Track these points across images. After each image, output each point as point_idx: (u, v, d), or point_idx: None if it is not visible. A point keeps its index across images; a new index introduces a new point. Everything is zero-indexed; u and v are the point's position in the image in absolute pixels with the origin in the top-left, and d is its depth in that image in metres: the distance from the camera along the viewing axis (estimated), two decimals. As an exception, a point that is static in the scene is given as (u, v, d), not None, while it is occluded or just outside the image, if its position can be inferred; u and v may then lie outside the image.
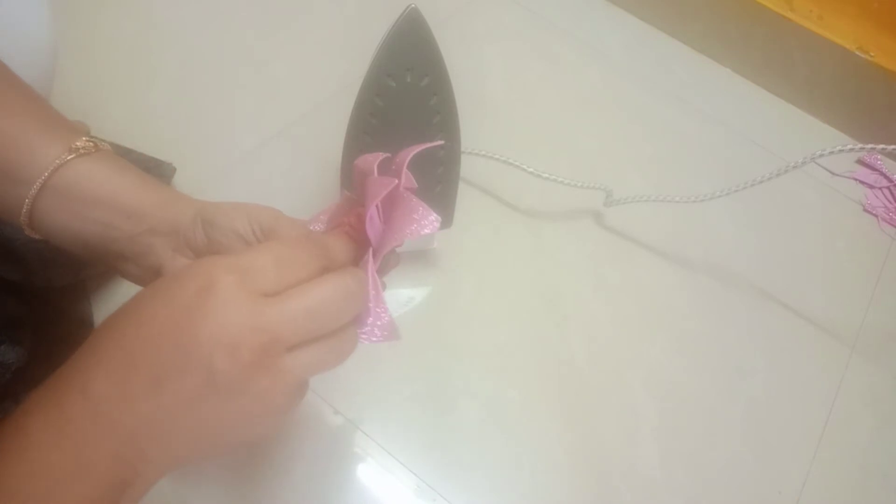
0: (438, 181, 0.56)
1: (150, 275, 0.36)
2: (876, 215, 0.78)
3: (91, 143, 0.34)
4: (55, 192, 0.33)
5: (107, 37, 0.73)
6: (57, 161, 0.33)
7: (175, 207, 0.35)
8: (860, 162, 0.83)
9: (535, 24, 0.86)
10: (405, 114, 0.50)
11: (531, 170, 0.64)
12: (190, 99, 0.69)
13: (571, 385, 0.59)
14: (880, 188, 0.80)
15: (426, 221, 0.33)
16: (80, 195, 0.33)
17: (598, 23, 0.89)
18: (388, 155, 0.38)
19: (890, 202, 0.79)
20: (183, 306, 0.27)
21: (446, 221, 0.60)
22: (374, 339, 0.33)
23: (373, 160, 0.37)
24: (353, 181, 0.38)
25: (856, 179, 0.81)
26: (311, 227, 0.39)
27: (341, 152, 0.53)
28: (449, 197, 0.58)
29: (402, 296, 0.61)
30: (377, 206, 0.34)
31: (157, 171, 0.58)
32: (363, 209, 0.35)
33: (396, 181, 0.34)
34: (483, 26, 0.84)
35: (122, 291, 0.56)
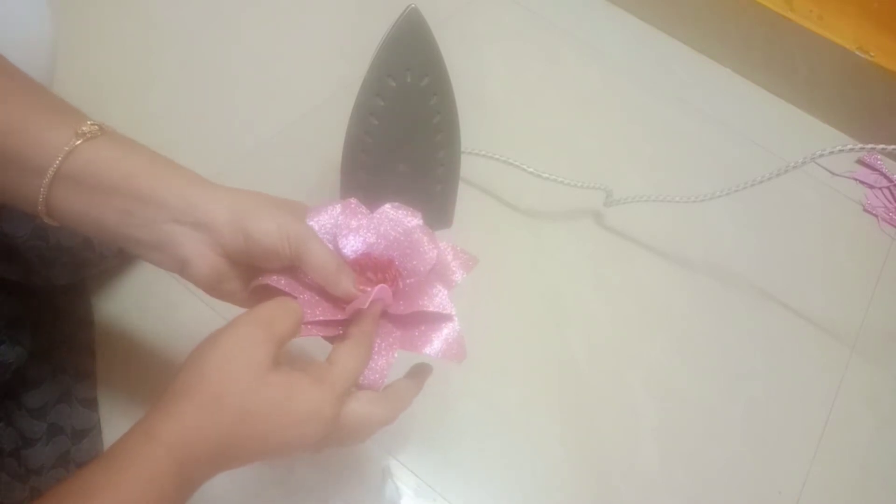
0: (438, 181, 0.56)
1: (174, 263, 0.36)
2: (876, 215, 0.78)
3: (96, 126, 0.34)
4: (68, 180, 0.33)
5: (107, 37, 0.73)
6: (66, 148, 0.33)
7: (197, 197, 0.35)
8: (860, 162, 0.83)
9: (535, 24, 0.86)
10: (405, 114, 0.51)
11: (531, 170, 0.64)
12: (190, 99, 0.69)
13: (571, 385, 0.59)
14: (880, 188, 0.80)
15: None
16: (93, 182, 0.33)
17: (598, 23, 0.89)
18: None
19: (890, 202, 0.79)
20: (296, 421, 0.32)
21: (446, 221, 0.60)
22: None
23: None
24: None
25: (856, 179, 0.81)
26: (310, 222, 0.39)
27: (341, 152, 0.53)
28: (449, 197, 0.58)
29: (402, 296, 0.61)
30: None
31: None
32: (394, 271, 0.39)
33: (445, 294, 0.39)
34: (483, 26, 0.84)
35: (123, 291, 0.56)
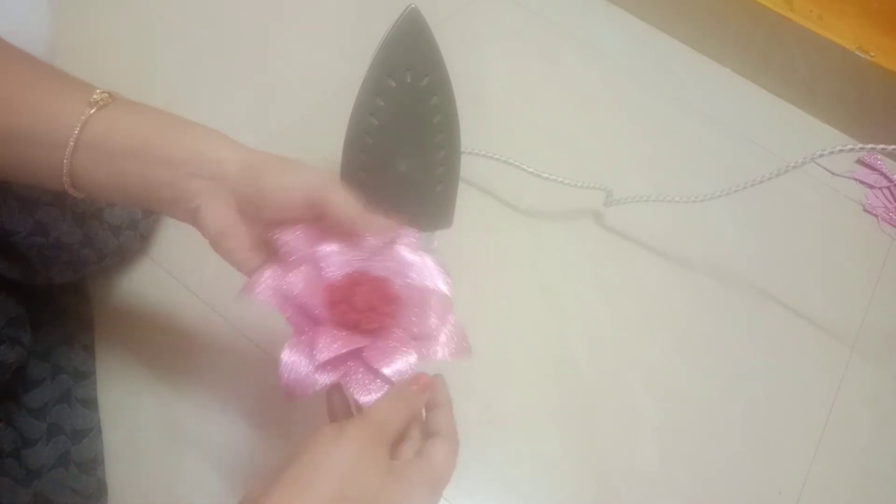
0: (439, 181, 0.56)
1: (188, 214, 0.36)
2: (876, 215, 0.78)
3: (106, 94, 0.35)
4: (88, 150, 0.34)
5: (107, 37, 0.73)
6: (82, 117, 0.34)
7: (214, 151, 0.36)
8: (860, 162, 0.82)
9: (535, 24, 0.86)
10: (405, 114, 0.50)
11: (531, 170, 0.64)
12: (190, 99, 0.69)
13: (571, 385, 0.59)
14: (880, 188, 0.80)
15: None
16: (111, 150, 0.34)
17: (598, 23, 0.89)
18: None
19: (890, 202, 0.79)
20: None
21: (446, 221, 0.60)
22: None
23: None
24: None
25: (856, 179, 0.81)
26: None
27: (341, 152, 0.53)
28: (449, 197, 0.58)
29: (402, 296, 0.61)
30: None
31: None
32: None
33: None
34: (483, 26, 0.84)
35: (123, 291, 0.56)
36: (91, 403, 0.50)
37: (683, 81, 0.85)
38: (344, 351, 0.35)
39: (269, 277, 0.37)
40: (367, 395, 0.36)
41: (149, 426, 0.51)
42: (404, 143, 0.52)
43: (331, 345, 0.35)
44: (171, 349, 0.54)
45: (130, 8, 0.75)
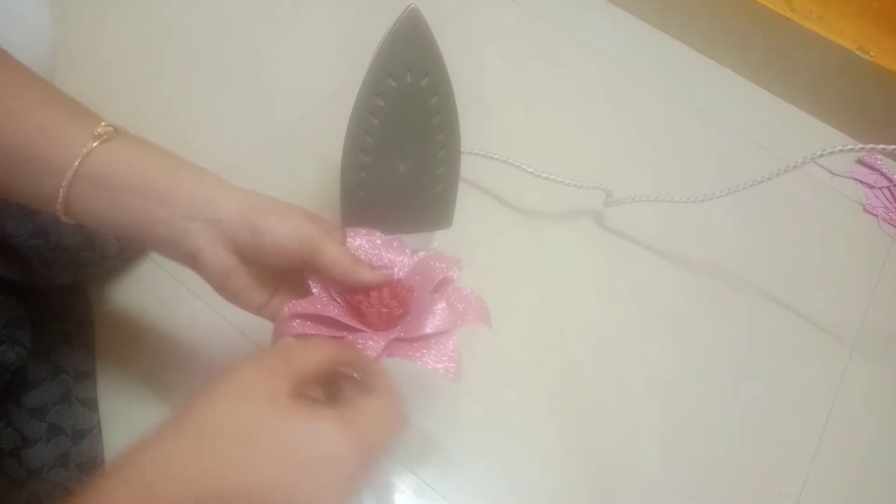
0: (439, 181, 0.56)
1: (187, 257, 0.36)
2: (876, 215, 0.78)
3: (111, 128, 0.35)
4: (87, 181, 0.34)
5: (107, 37, 0.73)
6: (84, 150, 0.33)
7: (211, 193, 0.36)
8: (860, 162, 0.82)
9: (535, 24, 0.86)
10: (405, 114, 0.50)
11: (531, 170, 0.64)
12: (190, 99, 0.69)
13: (571, 385, 0.59)
14: (880, 188, 0.80)
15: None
16: (109, 184, 0.34)
17: (598, 23, 0.89)
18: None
19: (890, 202, 0.79)
20: (305, 464, 0.28)
21: (446, 221, 0.60)
22: None
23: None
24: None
25: (856, 179, 0.81)
26: (348, 240, 0.41)
27: (341, 152, 0.53)
28: (449, 197, 0.58)
29: (402, 296, 0.61)
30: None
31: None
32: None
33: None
34: (483, 26, 0.84)
35: (123, 291, 0.56)
36: (91, 403, 0.50)
37: (683, 81, 0.85)
38: (383, 344, 0.36)
39: (291, 310, 0.37)
40: (420, 358, 0.37)
41: (149, 426, 0.51)
42: (404, 143, 0.52)
43: (371, 343, 0.36)
44: (172, 349, 0.54)
45: (130, 8, 0.75)
